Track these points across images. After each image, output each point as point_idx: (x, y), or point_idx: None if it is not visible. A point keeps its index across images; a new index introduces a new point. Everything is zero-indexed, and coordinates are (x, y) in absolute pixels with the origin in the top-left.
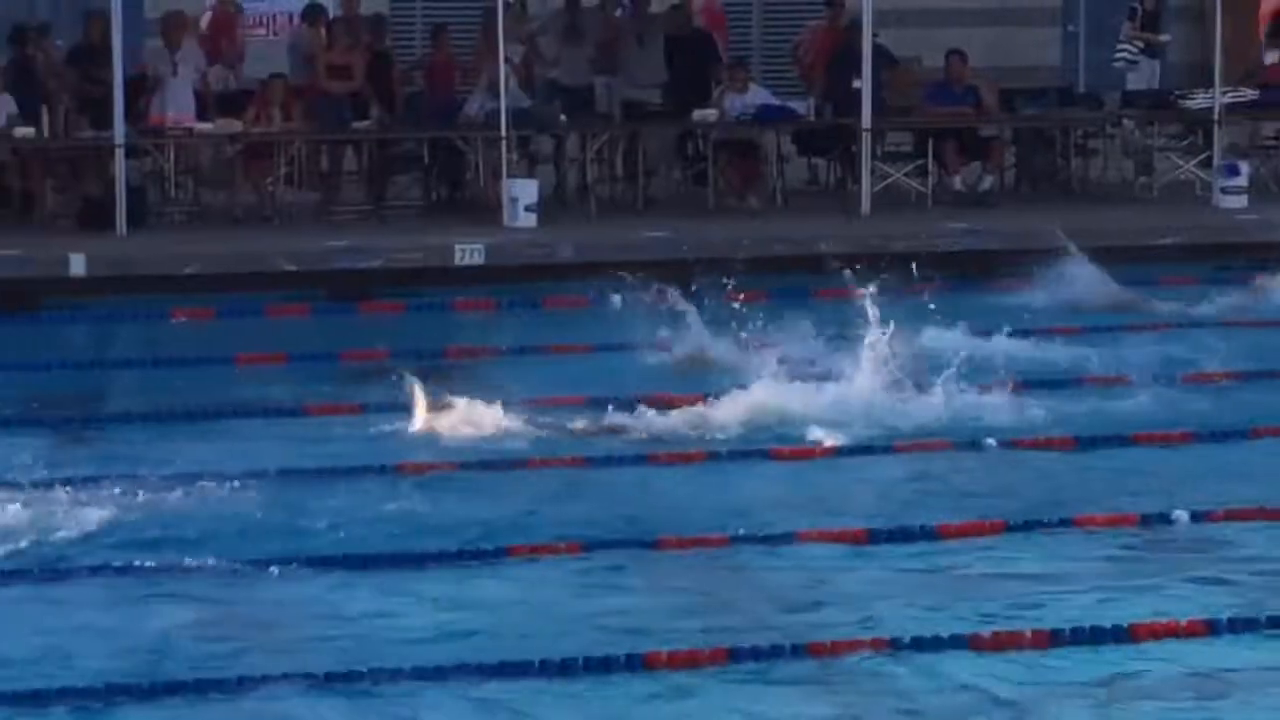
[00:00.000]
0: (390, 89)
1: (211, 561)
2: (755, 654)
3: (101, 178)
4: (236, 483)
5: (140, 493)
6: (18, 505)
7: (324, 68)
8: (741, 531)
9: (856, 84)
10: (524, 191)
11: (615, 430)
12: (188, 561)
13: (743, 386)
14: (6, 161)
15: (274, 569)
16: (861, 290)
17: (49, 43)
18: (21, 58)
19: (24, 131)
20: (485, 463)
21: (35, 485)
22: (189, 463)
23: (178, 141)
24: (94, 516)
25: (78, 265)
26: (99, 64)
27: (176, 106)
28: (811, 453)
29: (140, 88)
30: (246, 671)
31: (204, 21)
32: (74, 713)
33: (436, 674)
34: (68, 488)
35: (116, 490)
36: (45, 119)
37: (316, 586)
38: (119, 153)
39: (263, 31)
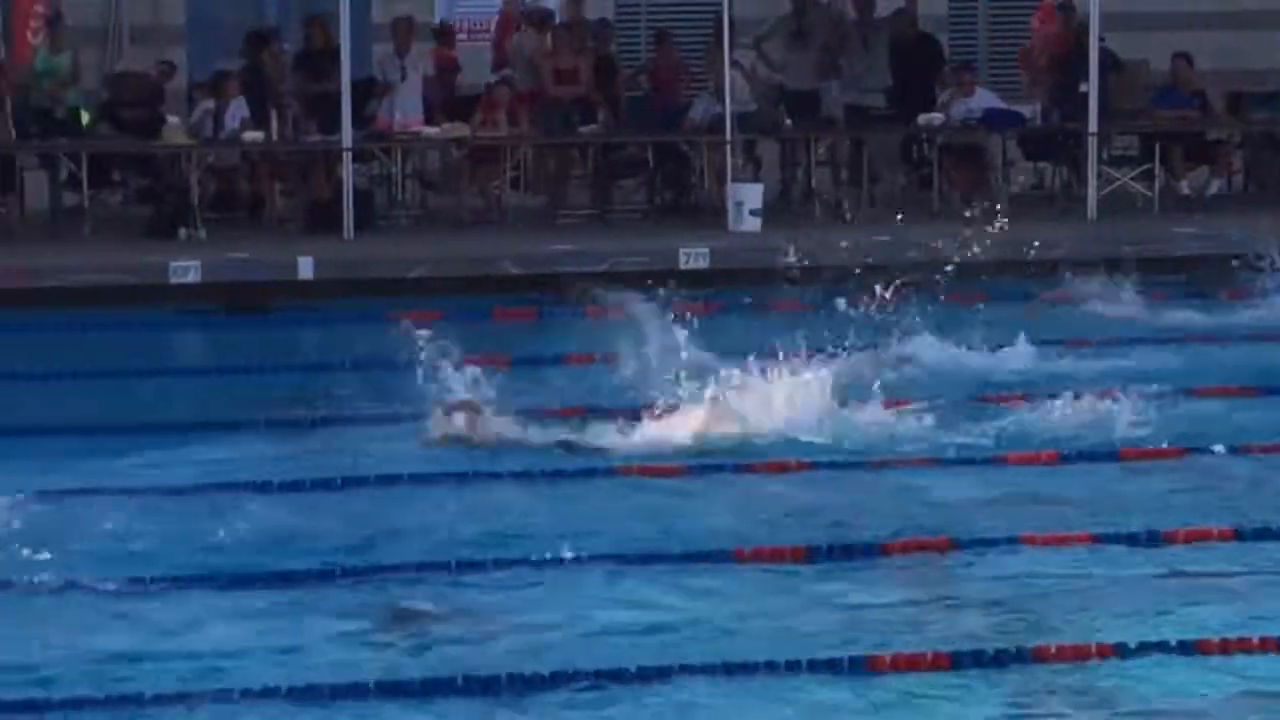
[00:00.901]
0: (615, 93)
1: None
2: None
3: (329, 181)
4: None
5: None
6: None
7: (550, 72)
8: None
9: (1083, 88)
10: (749, 195)
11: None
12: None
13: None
14: (236, 165)
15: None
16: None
17: (278, 48)
18: (254, 63)
19: (253, 136)
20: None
21: (282, 487)
22: (422, 463)
23: (404, 145)
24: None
25: (306, 268)
26: (325, 68)
27: (404, 111)
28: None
29: (369, 92)
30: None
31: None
32: None
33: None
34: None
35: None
36: (274, 123)
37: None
38: (346, 156)
39: (464, 37)
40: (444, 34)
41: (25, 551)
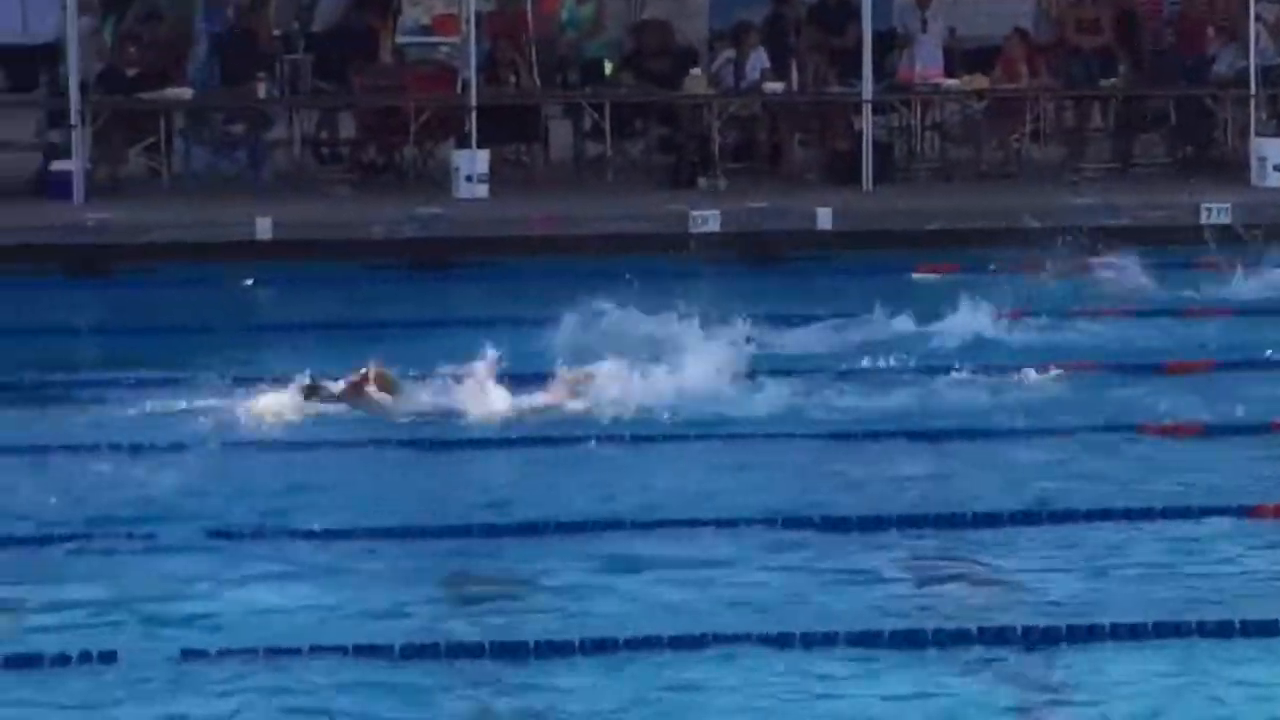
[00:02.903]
0: (1138, 45)
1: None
2: None
3: (849, 133)
4: None
5: None
6: None
7: (1072, 23)
8: None
9: None
10: (1273, 151)
11: None
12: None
13: None
14: (756, 116)
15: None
16: None
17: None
18: (776, 13)
19: (773, 87)
20: None
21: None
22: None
23: (923, 98)
24: None
25: (824, 219)
26: (843, 21)
27: (924, 62)
28: None
29: (889, 44)
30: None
31: None
32: None
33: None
34: None
35: None
36: (794, 74)
37: None
38: (866, 108)
39: None
40: None
41: None
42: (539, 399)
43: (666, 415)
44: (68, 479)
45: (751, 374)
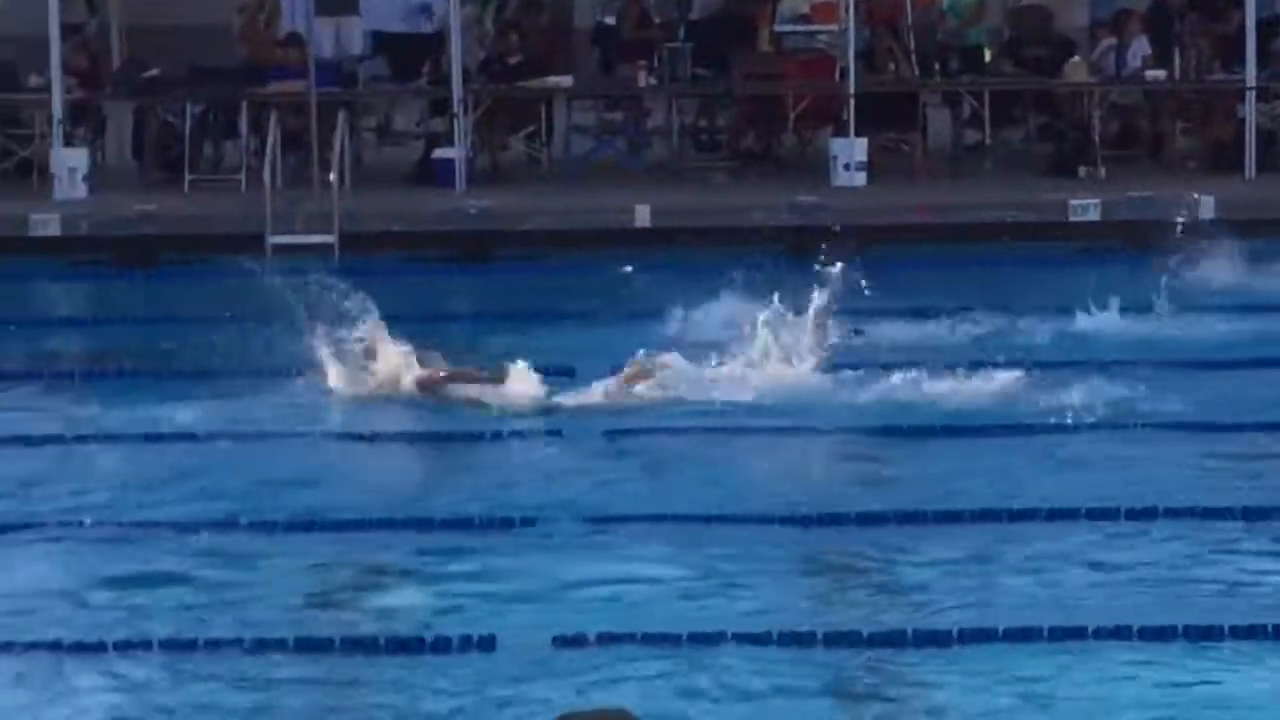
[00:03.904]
0: None
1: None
2: None
3: (1232, 121)
4: None
5: None
6: None
7: None
8: None
9: None
10: None
11: None
12: None
13: None
14: (1138, 104)
15: None
16: None
17: None
18: (1157, 1)
19: (1155, 74)
20: None
21: None
22: None
23: None
24: None
25: (1206, 208)
26: (1223, 7)
27: None
28: None
29: (1274, 30)
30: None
31: None
32: None
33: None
34: None
35: None
36: (1176, 62)
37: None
38: (1250, 96)
39: None
40: None
41: None
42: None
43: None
44: (464, 465)
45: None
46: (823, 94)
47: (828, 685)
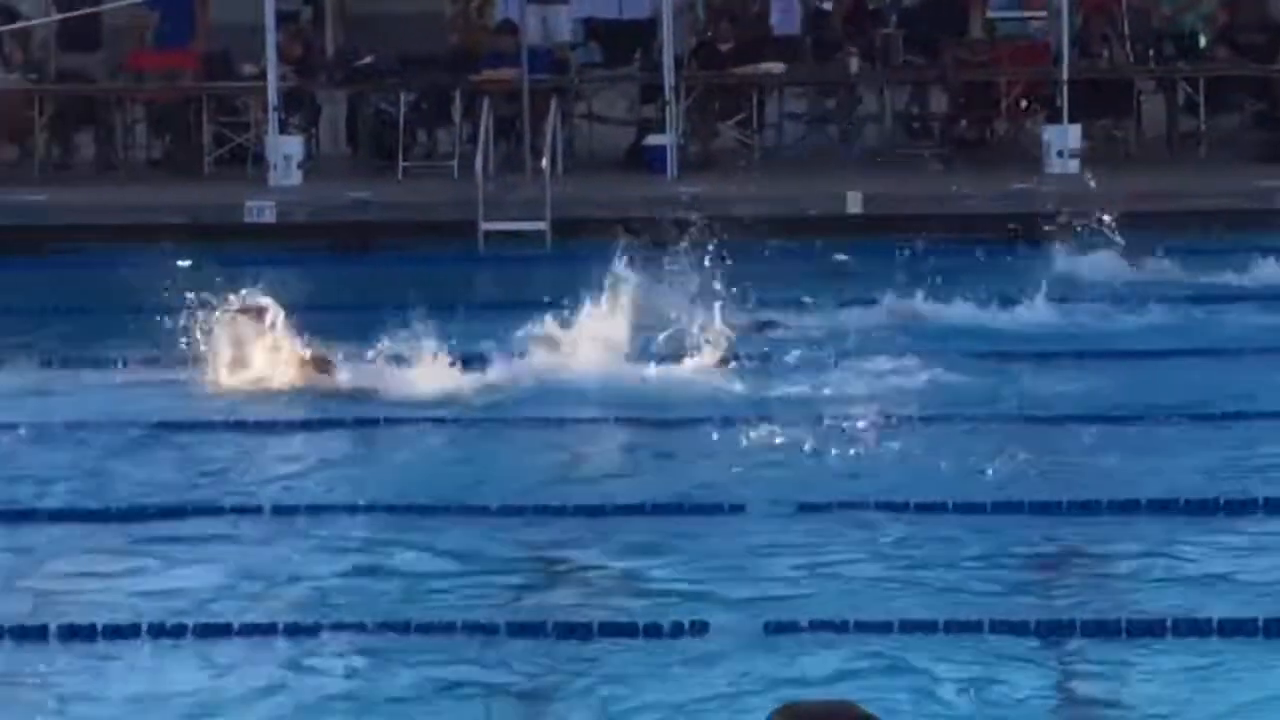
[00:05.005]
0: None
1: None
2: None
3: None
4: None
5: None
6: None
7: None
8: None
9: None
10: None
11: None
12: None
13: None
14: None
15: None
16: None
17: None
18: None
19: None
20: None
21: None
22: None
23: None
24: None
25: None
26: None
27: None
28: None
29: None
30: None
31: None
32: None
33: None
34: None
35: None
36: None
37: None
38: None
39: None
40: None
41: None
42: None
43: None
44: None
45: None
46: (1036, 80)
47: (1044, 675)
